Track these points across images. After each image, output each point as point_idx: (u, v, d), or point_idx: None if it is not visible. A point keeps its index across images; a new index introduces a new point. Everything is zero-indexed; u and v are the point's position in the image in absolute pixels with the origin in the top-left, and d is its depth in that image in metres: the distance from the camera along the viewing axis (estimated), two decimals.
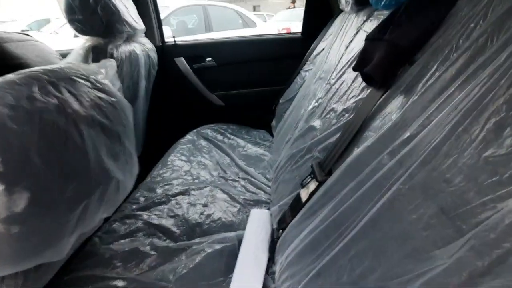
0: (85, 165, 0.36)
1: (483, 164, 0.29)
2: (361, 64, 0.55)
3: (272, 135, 1.47)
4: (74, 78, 0.39)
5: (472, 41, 0.36)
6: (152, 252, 0.73)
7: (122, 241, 0.77)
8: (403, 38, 0.47)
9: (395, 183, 0.39)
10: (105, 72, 0.48)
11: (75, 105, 0.36)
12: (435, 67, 0.42)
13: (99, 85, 0.43)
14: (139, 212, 0.88)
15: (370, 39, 0.55)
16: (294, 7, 7.84)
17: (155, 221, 0.85)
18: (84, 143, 0.36)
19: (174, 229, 0.83)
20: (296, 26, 5.96)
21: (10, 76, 0.33)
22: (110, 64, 0.50)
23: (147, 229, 0.83)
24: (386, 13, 0.70)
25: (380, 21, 0.71)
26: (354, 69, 0.58)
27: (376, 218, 0.40)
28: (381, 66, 0.49)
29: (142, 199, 0.95)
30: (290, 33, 1.65)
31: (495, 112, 0.30)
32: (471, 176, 0.30)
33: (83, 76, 0.40)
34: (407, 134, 0.41)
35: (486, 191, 0.28)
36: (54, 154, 0.33)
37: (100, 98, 0.42)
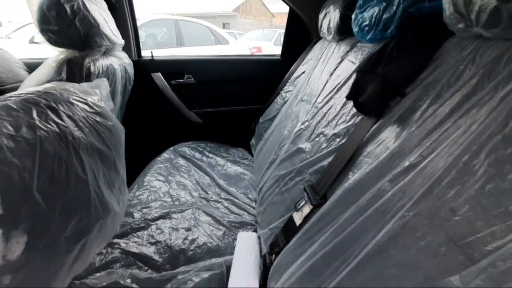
0: (86, 199, 0.32)
1: (487, 196, 0.32)
2: (355, 93, 0.58)
3: (251, 153, 1.47)
4: (73, 101, 0.35)
5: (464, 82, 0.40)
6: (134, 286, 0.67)
7: (98, 274, 0.69)
8: (396, 73, 0.51)
9: (399, 211, 0.41)
10: (100, 93, 0.45)
11: (76, 131, 0.33)
12: (428, 101, 0.45)
13: (97, 109, 0.39)
14: (115, 240, 0.80)
15: (362, 71, 0.59)
16: None
17: (134, 250, 0.78)
18: (85, 174, 0.32)
19: (156, 257, 0.77)
20: (266, 45, 6.19)
21: (1, 101, 0.29)
22: (103, 84, 0.47)
23: (126, 259, 0.76)
24: (369, 45, 0.76)
25: (365, 52, 0.77)
26: (348, 98, 0.62)
27: (382, 245, 0.41)
28: (376, 97, 0.53)
29: None
30: (270, 55, 1.70)
31: (494, 148, 0.33)
32: (476, 207, 0.33)
33: (81, 99, 0.37)
34: (407, 163, 0.43)
35: (493, 221, 0.30)
36: (56, 189, 0.29)
37: (98, 122, 0.39)
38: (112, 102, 0.49)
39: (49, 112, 0.31)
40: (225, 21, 13.98)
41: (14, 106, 0.29)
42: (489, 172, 0.32)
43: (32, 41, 3.78)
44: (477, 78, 0.38)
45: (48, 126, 0.30)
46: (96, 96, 0.42)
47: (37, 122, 0.29)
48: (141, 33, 4.01)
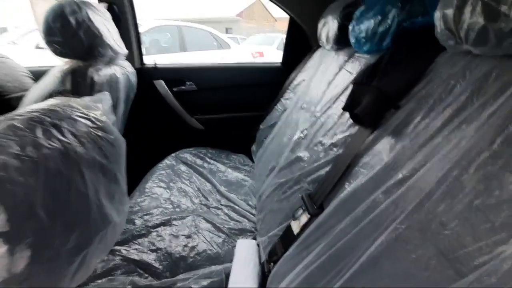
0: (87, 212, 0.34)
1: (475, 211, 0.33)
2: (351, 105, 0.59)
3: (251, 159, 1.48)
4: (76, 117, 0.37)
5: (454, 97, 0.41)
6: None
7: (99, 281, 0.70)
8: (390, 86, 0.52)
9: (392, 223, 0.42)
10: (102, 107, 0.47)
11: (78, 148, 0.34)
12: (421, 115, 0.46)
13: (99, 123, 0.41)
14: (116, 247, 0.82)
15: (358, 83, 0.60)
16: None
17: (135, 257, 0.80)
18: (86, 189, 0.34)
19: (156, 264, 0.78)
20: (268, 50, 6.22)
21: (8, 120, 0.31)
22: (105, 98, 0.49)
23: (127, 266, 0.77)
24: (366, 56, 0.77)
25: (362, 63, 0.78)
26: (344, 109, 0.63)
27: (375, 257, 0.42)
28: (371, 109, 0.54)
29: None
30: (270, 62, 1.72)
31: (482, 164, 0.34)
32: (465, 221, 0.33)
33: (84, 115, 0.39)
34: (400, 176, 0.44)
35: (480, 236, 0.31)
36: (58, 204, 0.30)
37: (99, 137, 0.40)
38: (113, 115, 0.50)
39: (53, 130, 0.32)
40: (228, 26, 14.10)
41: (20, 125, 0.30)
42: (477, 187, 0.33)
43: (38, 47, 3.85)
44: (467, 94, 0.39)
45: (52, 144, 0.31)
46: (98, 111, 0.44)
47: (42, 141, 0.30)
48: (145, 39, 4.06)
